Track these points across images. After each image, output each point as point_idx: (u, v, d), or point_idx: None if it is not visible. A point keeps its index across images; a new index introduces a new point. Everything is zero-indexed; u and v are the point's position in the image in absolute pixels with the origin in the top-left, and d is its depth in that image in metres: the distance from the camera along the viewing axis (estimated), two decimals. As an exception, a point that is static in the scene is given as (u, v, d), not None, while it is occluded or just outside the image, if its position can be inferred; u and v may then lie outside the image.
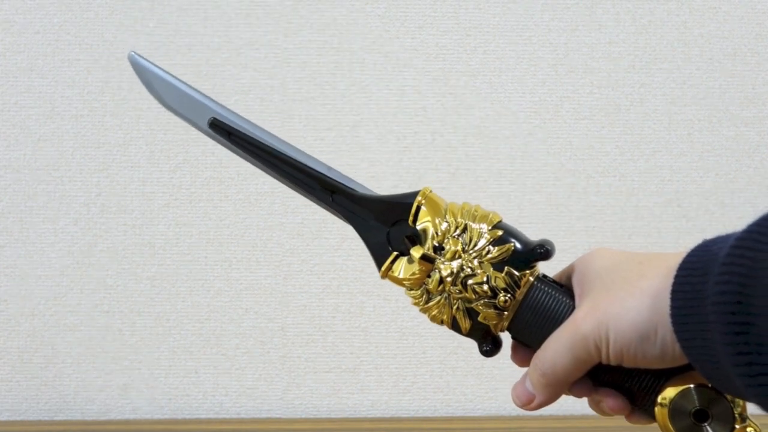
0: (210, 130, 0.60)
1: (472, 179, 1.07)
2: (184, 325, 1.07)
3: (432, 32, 1.08)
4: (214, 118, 0.59)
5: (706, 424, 0.48)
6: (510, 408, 1.08)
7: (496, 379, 1.08)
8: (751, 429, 0.48)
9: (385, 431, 1.03)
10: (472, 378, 1.08)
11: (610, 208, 1.08)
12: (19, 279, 1.06)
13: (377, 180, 1.07)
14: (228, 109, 0.60)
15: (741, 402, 0.48)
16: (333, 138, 1.07)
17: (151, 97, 1.10)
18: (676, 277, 0.43)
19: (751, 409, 0.48)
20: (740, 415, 0.47)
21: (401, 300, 1.10)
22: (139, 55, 0.61)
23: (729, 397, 0.47)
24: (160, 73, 0.61)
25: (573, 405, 1.08)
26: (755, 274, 0.39)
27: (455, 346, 1.07)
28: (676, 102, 1.10)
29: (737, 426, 0.47)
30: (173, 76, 0.61)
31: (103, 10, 1.06)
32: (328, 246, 1.07)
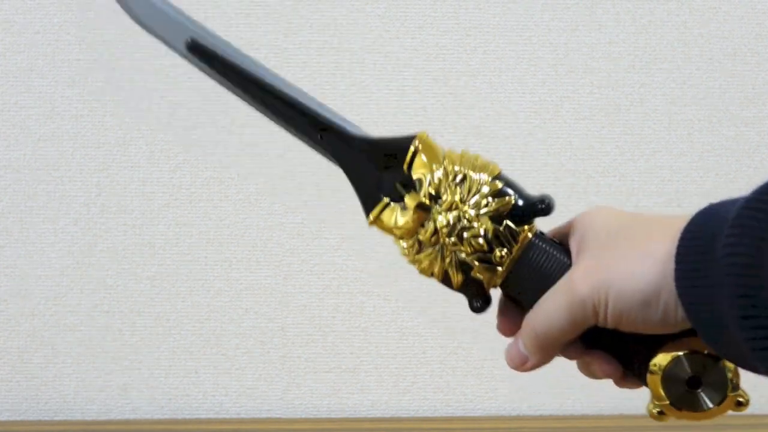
0: (188, 53, 0.55)
1: (472, 179, 1.07)
2: (184, 325, 1.07)
3: (432, 32, 1.08)
4: (193, 39, 0.55)
5: (699, 390, 0.47)
6: (510, 408, 1.08)
7: (496, 379, 1.08)
8: (741, 399, 0.47)
9: (385, 431, 1.03)
10: (472, 378, 1.08)
11: (610, 208, 1.08)
12: (19, 279, 1.06)
13: (377, 180, 1.06)
14: (209, 31, 0.55)
15: (733, 368, 0.47)
16: (333, 138, 1.07)
17: (150, 96, 1.10)
18: (681, 239, 0.42)
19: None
20: (731, 381, 0.47)
21: (401, 300, 1.10)
22: None
23: (722, 364, 0.47)
24: None
25: (573, 405, 1.08)
26: (765, 236, 0.38)
27: (455, 346, 1.07)
28: (676, 102, 1.10)
29: (729, 393, 0.47)
30: None
31: (103, 10, 1.06)
32: (328, 246, 1.07)
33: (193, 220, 1.07)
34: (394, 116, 1.08)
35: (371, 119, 1.08)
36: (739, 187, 1.22)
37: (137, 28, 1.11)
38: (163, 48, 1.11)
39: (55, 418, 1.06)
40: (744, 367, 0.45)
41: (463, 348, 1.08)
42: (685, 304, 0.42)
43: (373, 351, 1.08)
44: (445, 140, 1.15)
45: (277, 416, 1.08)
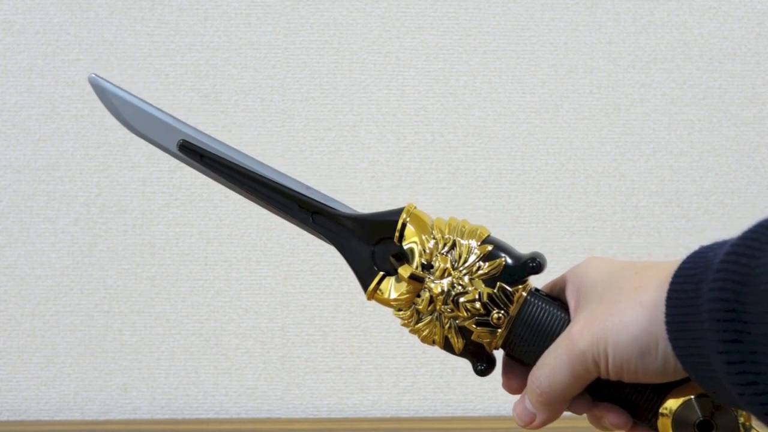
0: (180, 153, 0.57)
1: (472, 179, 1.07)
2: (184, 325, 1.07)
3: (432, 32, 1.08)
4: (184, 140, 0.56)
5: None
6: (510, 408, 1.08)
7: (496, 380, 1.07)
8: None
9: (385, 431, 1.03)
10: (472, 378, 1.07)
11: (610, 208, 1.08)
12: (19, 279, 1.06)
13: (377, 180, 1.07)
14: (198, 130, 0.57)
15: (744, 412, 0.46)
16: (333, 138, 1.07)
17: (150, 97, 1.10)
18: (671, 284, 0.42)
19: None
20: (743, 425, 0.46)
21: (401, 300, 1.10)
22: (100, 77, 0.59)
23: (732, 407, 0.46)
24: (124, 95, 0.58)
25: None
26: (749, 282, 0.38)
27: (455, 346, 1.08)
28: (676, 102, 1.10)
29: None
30: (138, 98, 0.58)
31: (103, 10, 1.06)
32: (328, 246, 1.07)
33: (193, 220, 1.07)
34: (394, 116, 1.08)
35: (371, 119, 1.08)
36: (739, 187, 1.22)
37: (136, 27, 1.11)
38: (163, 48, 1.12)
39: (55, 418, 1.06)
40: (737, 407, 0.44)
41: (463, 348, 1.08)
42: (676, 349, 0.42)
43: (373, 351, 1.08)
44: (445, 140, 1.14)
45: (277, 416, 1.08)
